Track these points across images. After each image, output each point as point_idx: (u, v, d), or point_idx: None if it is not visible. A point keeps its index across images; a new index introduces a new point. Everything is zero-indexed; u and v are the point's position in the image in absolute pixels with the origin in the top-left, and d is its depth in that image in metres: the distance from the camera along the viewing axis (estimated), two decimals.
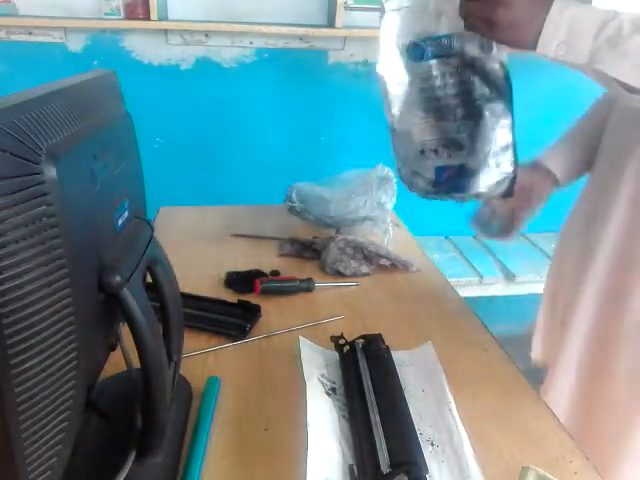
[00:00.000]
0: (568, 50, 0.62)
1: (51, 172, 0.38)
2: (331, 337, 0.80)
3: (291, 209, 1.26)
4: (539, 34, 0.62)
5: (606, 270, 0.84)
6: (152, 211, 1.33)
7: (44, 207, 0.37)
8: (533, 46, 0.63)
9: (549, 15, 0.61)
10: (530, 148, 0.87)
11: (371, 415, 0.64)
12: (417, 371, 0.77)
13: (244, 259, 1.11)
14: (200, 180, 2.11)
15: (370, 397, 0.67)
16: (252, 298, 0.95)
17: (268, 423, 0.68)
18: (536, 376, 0.85)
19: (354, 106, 2.11)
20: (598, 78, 0.67)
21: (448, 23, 0.66)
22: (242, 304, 0.92)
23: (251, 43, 1.97)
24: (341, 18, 1.82)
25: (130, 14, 1.79)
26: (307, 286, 1.00)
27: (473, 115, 0.68)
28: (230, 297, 0.95)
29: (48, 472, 0.41)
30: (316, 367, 0.75)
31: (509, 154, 0.68)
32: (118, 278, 0.48)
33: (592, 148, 0.91)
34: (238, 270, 1.05)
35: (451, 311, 0.97)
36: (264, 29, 1.84)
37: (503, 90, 0.69)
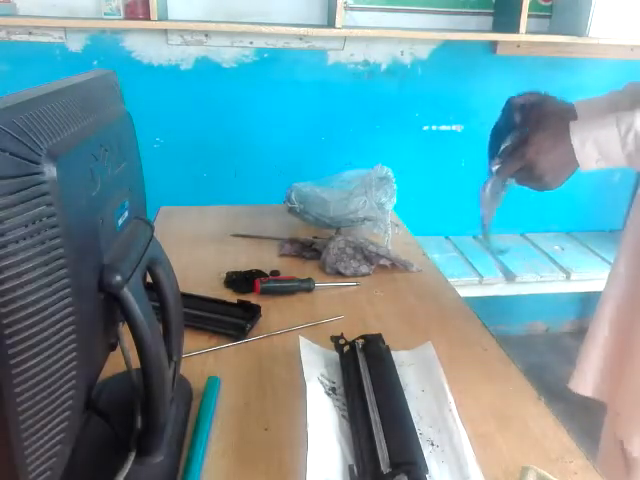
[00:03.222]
0: (607, 162, 0.73)
1: (51, 172, 0.38)
2: (331, 337, 0.80)
3: (291, 210, 1.26)
4: (574, 166, 0.75)
5: None
6: (152, 211, 1.33)
7: (44, 207, 0.37)
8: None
9: (575, 149, 0.72)
10: None
11: (371, 415, 0.64)
12: (417, 371, 0.77)
13: (244, 259, 1.11)
14: (200, 180, 2.11)
15: (370, 397, 0.67)
16: (252, 298, 0.95)
17: (268, 423, 0.68)
18: (536, 376, 0.85)
19: (354, 106, 2.11)
20: None
21: None
22: (242, 304, 0.92)
23: (251, 43, 1.96)
24: (341, 18, 1.82)
25: (130, 14, 1.79)
26: (307, 286, 1.00)
27: None
28: (230, 297, 0.95)
29: (48, 472, 0.41)
30: (316, 367, 0.75)
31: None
32: (118, 278, 0.48)
33: None
34: (238, 270, 1.05)
35: (451, 311, 0.97)
36: (264, 29, 1.84)
37: None
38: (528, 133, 0.77)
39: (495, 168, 0.81)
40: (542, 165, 0.75)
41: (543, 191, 0.79)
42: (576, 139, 0.72)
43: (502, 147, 0.84)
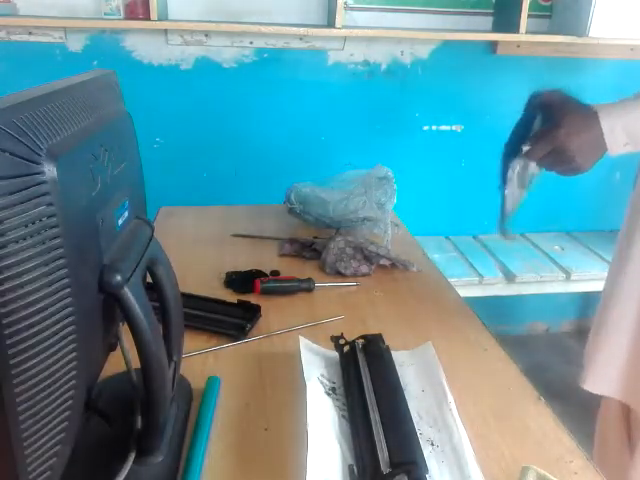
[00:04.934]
0: (635, 146, 0.76)
1: (51, 172, 0.38)
2: (331, 337, 0.79)
3: (291, 210, 1.26)
4: (603, 150, 0.77)
5: None
6: (152, 211, 1.33)
7: (44, 207, 0.37)
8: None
9: (605, 134, 0.75)
10: None
11: (371, 415, 0.64)
12: (417, 371, 0.77)
13: (244, 259, 1.11)
14: (200, 180, 2.11)
15: (370, 397, 0.67)
16: (252, 298, 0.95)
17: (268, 423, 0.68)
18: (536, 376, 0.85)
19: (354, 106, 2.11)
20: None
21: None
22: (242, 304, 0.92)
23: (251, 43, 1.96)
24: (341, 18, 1.82)
25: (130, 14, 1.79)
26: (307, 286, 1.00)
27: None
28: (230, 297, 0.95)
29: (48, 472, 0.41)
30: (316, 367, 0.75)
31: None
32: (118, 278, 0.48)
33: None
34: (238, 270, 1.05)
35: (451, 311, 0.97)
36: (264, 29, 1.84)
37: None
38: (558, 117, 0.78)
39: (526, 149, 0.81)
40: (573, 147, 0.76)
41: (573, 175, 0.80)
42: (605, 124, 0.75)
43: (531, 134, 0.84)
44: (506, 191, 0.86)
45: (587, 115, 0.77)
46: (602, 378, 0.97)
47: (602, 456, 1.09)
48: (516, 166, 0.84)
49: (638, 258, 0.92)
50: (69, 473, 0.45)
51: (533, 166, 0.84)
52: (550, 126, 0.79)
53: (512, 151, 0.84)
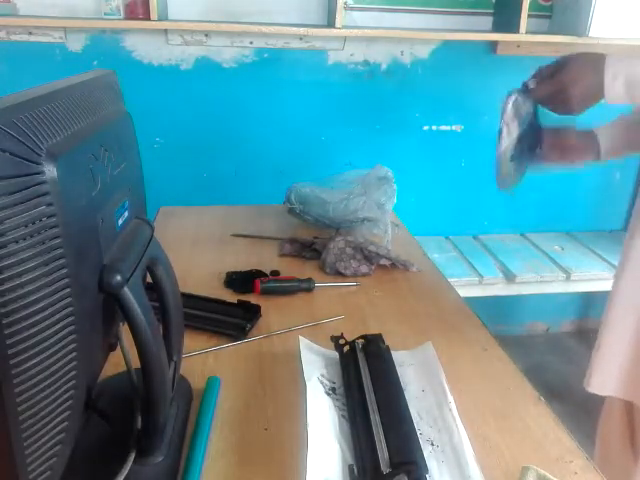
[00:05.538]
0: (633, 99, 0.78)
1: (51, 172, 0.38)
2: (331, 337, 0.79)
3: (291, 210, 1.26)
4: (600, 97, 0.79)
5: None
6: (152, 211, 1.33)
7: (44, 207, 0.37)
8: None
9: (605, 83, 0.77)
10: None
11: (371, 415, 0.64)
12: (417, 371, 0.77)
13: (244, 259, 1.11)
14: (200, 180, 2.10)
15: (370, 397, 0.67)
16: (252, 298, 0.95)
17: (268, 423, 0.68)
18: (536, 376, 0.85)
19: (354, 106, 2.11)
20: None
21: None
22: (242, 304, 0.92)
23: (251, 43, 1.96)
24: (341, 18, 1.82)
25: (130, 14, 1.79)
26: (307, 286, 1.00)
27: None
28: (230, 297, 0.95)
29: (48, 472, 0.41)
30: (316, 367, 0.75)
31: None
32: (118, 278, 0.48)
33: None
34: (238, 270, 1.05)
35: (451, 311, 0.97)
36: (264, 29, 1.84)
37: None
38: (567, 58, 0.82)
39: (531, 86, 0.85)
40: (575, 92, 0.79)
41: (563, 114, 0.84)
42: (609, 72, 0.77)
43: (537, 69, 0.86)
44: (502, 126, 0.88)
45: (595, 57, 0.79)
46: (606, 378, 0.97)
47: (604, 458, 1.09)
48: (513, 98, 0.86)
49: (638, 260, 0.92)
50: (69, 473, 0.45)
51: (529, 104, 0.87)
52: (558, 65, 0.82)
53: None
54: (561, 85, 0.80)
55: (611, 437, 1.08)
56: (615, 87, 0.77)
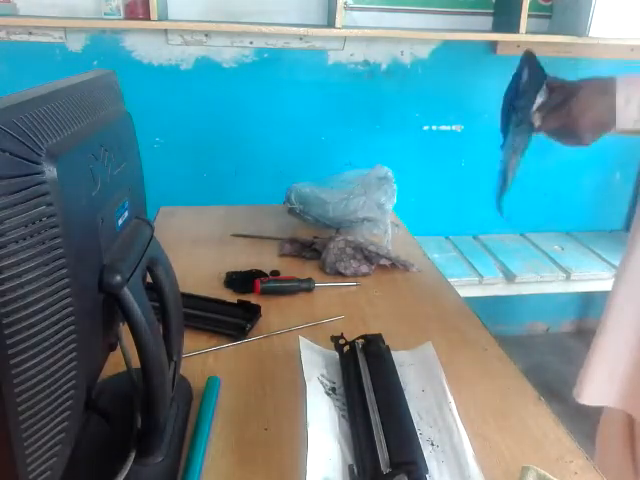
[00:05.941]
0: None
1: (51, 172, 0.38)
2: (331, 337, 0.80)
3: (290, 210, 1.26)
4: (611, 126, 0.76)
5: None
6: (152, 211, 1.33)
7: (44, 207, 0.37)
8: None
9: (618, 107, 0.74)
10: None
11: (371, 415, 0.64)
12: (417, 371, 0.77)
13: (244, 259, 1.11)
14: (200, 180, 2.10)
15: (370, 397, 0.67)
16: (252, 298, 0.95)
17: (268, 423, 0.68)
18: (536, 376, 0.85)
19: (354, 106, 2.11)
20: None
21: None
22: (242, 304, 0.92)
23: (251, 43, 1.96)
24: (341, 18, 1.82)
25: (130, 14, 1.79)
26: (307, 286, 1.00)
27: None
28: (230, 297, 0.95)
29: (48, 472, 0.41)
30: (316, 367, 0.75)
31: None
32: (118, 278, 0.48)
33: None
34: (238, 270, 1.05)
35: (451, 311, 0.97)
36: (264, 29, 1.84)
37: None
38: (575, 88, 0.77)
39: (537, 122, 0.80)
40: (582, 123, 0.76)
41: (574, 147, 0.80)
42: (621, 97, 0.73)
43: (538, 100, 0.82)
44: (505, 163, 0.86)
45: (603, 83, 0.76)
46: (601, 386, 0.93)
47: (603, 468, 1.07)
48: (516, 137, 0.84)
49: (636, 267, 0.90)
50: (69, 473, 0.45)
51: (529, 137, 0.84)
52: (564, 95, 0.78)
53: (508, 104, 0.85)
54: (570, 118, 0.77)
55: (610, 449, 1.05)
56: (628, 110, 0.73)
